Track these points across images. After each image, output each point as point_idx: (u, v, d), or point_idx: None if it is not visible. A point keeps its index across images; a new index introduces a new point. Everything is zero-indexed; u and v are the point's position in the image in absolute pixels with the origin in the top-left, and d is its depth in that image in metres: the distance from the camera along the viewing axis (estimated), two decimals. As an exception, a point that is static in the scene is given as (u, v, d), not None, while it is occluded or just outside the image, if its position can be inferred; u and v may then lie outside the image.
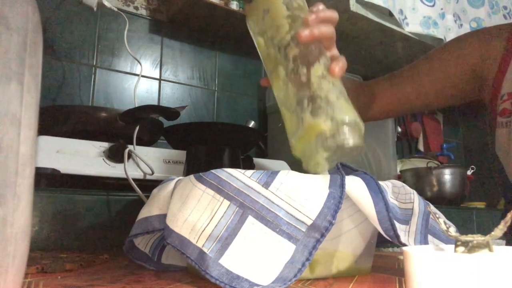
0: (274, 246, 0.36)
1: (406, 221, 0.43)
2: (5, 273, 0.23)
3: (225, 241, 0.36)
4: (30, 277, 0.41)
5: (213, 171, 0.38)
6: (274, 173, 0.38)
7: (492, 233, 0.27)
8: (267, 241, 0.36)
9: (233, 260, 0.35)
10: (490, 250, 0.27)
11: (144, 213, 0.44)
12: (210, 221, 0.36)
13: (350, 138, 0.43)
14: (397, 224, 0.40)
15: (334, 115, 0.43)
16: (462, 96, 0.83)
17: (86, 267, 0.48)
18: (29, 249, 0.25)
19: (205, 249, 0.35)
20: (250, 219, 0.36)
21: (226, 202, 0.37)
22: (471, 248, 0.27)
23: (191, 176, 0.39)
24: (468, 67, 0.79)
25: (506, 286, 0.23)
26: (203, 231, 0.36)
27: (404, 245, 0.39)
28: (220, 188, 0.37)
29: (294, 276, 0.35)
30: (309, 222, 0.36)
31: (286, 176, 0.38)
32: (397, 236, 0.38)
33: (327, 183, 0.39)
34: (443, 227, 0.29)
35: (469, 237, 0.27)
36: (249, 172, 0.38)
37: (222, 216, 0.36)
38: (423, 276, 0.25)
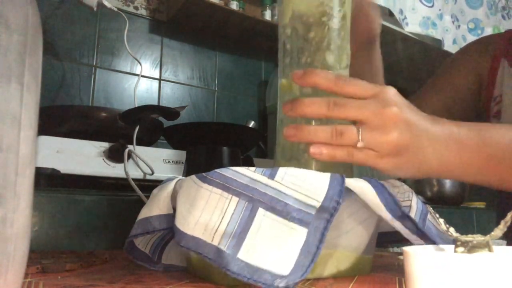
0: (287, 232, 0.37)
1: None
2: (5, 273, 0.23)
3: (239, 236, 0.36)
4: (30, 277, 0.41)
5: (217, 170, 0.38)
6: (276, 167, 0.39)
7: (492, 233, 0.27)
8: (280, 229, 0.37)
9: (250, 253, 0.36)
10: (490, 250, 0.27)
11: (144, 213, 0.44)
12: (222, 219, 0.37)
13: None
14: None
15: None
16: (468, 107, 0.83)
17: (86, 267, 0.48)
18: (29, 249, 0.25)
19: (221, 247, 0.36)
20: (261, 211, 0.37)
21: (235, 199, 0.37)
22: (471, 248, 0.27)
23: (194, 177, 0.39)
24: (472, 75, 0.80)
25: (506, 286, 0.23)
26: (216, 229, 0.36)
27: (413, 221, 0.40)
28: (227, 186, 0.37)
29: (311, 261, 0.36)
30: (318, 205, 0.37)
31: (288, 168, 0.39)
32: (403, 212, 0.40)
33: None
34: (443, 227, 0.29)
35: (469, 237, 0.27)
36: (252, 168, 0.39)
37: (233, 213, 0.37)
38: (423, 276, 0.25)
